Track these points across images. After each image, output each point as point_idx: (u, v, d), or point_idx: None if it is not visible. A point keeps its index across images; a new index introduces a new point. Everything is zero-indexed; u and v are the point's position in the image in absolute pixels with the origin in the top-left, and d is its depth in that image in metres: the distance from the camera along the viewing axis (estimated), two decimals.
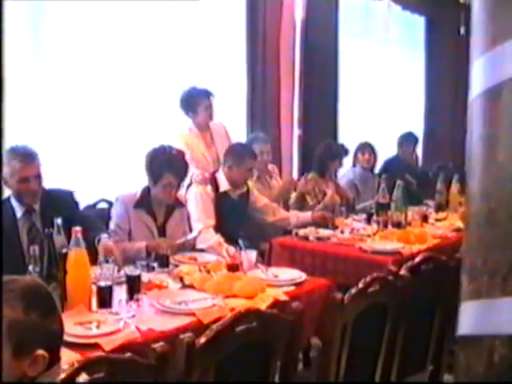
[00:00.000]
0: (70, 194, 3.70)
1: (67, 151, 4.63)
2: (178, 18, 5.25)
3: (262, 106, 5.86)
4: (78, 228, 2.78)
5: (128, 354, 1.72)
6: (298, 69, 6.18)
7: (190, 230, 4.14)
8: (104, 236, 3.39)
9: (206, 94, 5.00)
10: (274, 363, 2.20)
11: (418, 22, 7.97)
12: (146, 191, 3.85)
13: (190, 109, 5.03)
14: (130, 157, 4.84)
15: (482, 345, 1.46)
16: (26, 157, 3.40)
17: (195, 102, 5.00)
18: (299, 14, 6.11)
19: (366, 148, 5.94)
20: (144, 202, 3.83)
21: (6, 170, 3.43)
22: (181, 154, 3.93)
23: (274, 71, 5.94)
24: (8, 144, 3.45)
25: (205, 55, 5.45)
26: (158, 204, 3.86)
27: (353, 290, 2.42)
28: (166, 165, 3.76)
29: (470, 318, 1.48)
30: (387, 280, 2.60)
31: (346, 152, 5.56)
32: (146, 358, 1.82)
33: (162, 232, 3.86)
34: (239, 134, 5.54)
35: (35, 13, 4.49)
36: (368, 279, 2.49)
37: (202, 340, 1.89)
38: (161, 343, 1.82)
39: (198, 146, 5.04)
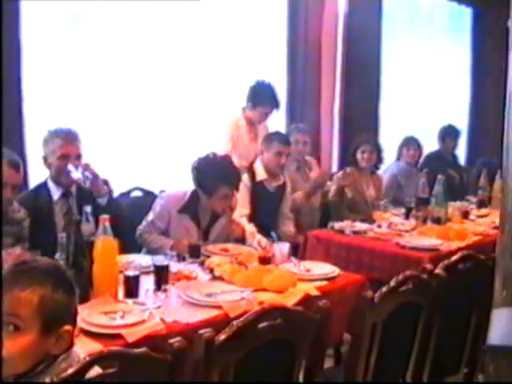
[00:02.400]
0: (105, 181, 3.68)
1: (105, 138, 4.63)
2: (222, 11, 5.23)
3: (302, 99, 5.80)
4: (105, 216, 2.74)
5: (143, 349, 1.66)
6: (339, 61, 6.08)
7: None
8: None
9: (273, 103, 4.94)
10: (298, 362, 2.12)
11: (465, 13, 7.75)
12: (195, 196, 3.75)
13: (251, 100, 4.94)
14: (169, 145, 4.83)
15: None
16: (69, 135, 3.46)
17: (260, 99, 4.92)
18: (342, 6, 6.02)
19: (412, 143, 5.82)
20: (191, 206, 3.74)
21: (46, 150, 3.45)
22: (228, 160, 3.83)
23: (314, 63, 5.86)
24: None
25: (246, 47, 5.42)
26: (204, 210, 3.78)
27: (384, 289, 2.33)
28: (220, 178, 3.64)
29: (503, 326, 1.38)
30: (421, 278, 2.50)
31: (378, 150, 5.37)
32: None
33: (205, 237, 3.79)
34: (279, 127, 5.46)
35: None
36: (400, 277, 2.40)
37: (222, 337, 1.83)
38: (178, 338, 1.76)
39: (242, 138, 4.99)
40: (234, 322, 1.90)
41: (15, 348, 1.62)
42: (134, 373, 1.60)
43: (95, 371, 1.56)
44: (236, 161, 4.60)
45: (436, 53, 7.31)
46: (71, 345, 1.69)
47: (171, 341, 1.72)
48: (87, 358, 1.51)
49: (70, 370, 1.47)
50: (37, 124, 4.14)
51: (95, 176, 3.41)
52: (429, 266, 2.68)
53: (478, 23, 7.83)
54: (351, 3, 5.98)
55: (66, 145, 3.41)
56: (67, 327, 1.68)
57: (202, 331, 1.84)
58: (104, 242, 2.71)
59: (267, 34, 5.60)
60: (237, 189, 3.84)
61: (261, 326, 1.94)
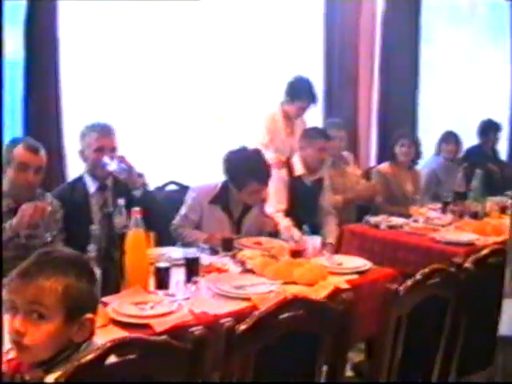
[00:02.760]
0: (140, 175, 3.73)
1: (141, 133, 4.69)
2: (262, 6, 5.27)
3: (339, 95, 5.81)
4: (137, 208, 2.79)
5: (163, 337, 1.69)
6: (377, 55, 6.07)
7: None
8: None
9: (311, 98, 4.95)
10: (321, 354, 2.12)
11: (505, 7, 7.60)
12: (226, 187, 3.78)
13: (289, 95, 4.96)
14: (205, 139, 4.87)
15: None
16: (105, 128, 3.54)
17: (298, 93, 4.93)
18: (380, 4, 6.04)
19: (451, 138, 5.77)
20: (222, 197, 3.78)
21: (83, 143, 3.53)
22: (259, 155, 3.82)
23: (351, 58, 5.87)
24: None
25: (283, 41, 5.45)
26: (235, 201, 3.81)
27: (409, 281, 2.32)
28: (250, 173, 3.67)
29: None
30: (449, 272, 2.48)
31: (416, 144, 5.33)
32: None
33: (237, 228, 3.83)
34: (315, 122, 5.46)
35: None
36: (427, 270, 2.38)
37: (243, 326, 1.85)
38: (199, 327, 1.78)
39: (279, 132, 5.01)
40: (256, 312, 1.92)
41: (39, 336, 1.67)
42: (153, 360, 1.63)
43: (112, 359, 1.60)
44: (274, 155, 4.64)
45: (476, 46, 7.21)
46: (93, 333, 1.73)
47: (192, 329, 1.75)
48: (107, 344, 1.55)
49: (90, 356, 1.51)
50: (74, 119, 4.23)
51: (130, 168, 3.46)
52: (457, 260, 2.65)
53: None
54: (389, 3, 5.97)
55: (101, 138, 3.49)
56: (89, 315, 1.72)
57: (223, 320, 1.86)
58: (135, 234, 2.76)
59: (305, 30, 5.62)
60: (266, 184, 3.84)
61: (282, 316, 1.96)
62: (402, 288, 2.29)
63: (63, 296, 1.68)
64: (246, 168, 3.67)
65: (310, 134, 4.63)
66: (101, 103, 4.53)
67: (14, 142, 3.27)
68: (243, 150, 3.81)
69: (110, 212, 2.82)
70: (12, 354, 2.07)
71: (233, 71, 5.18)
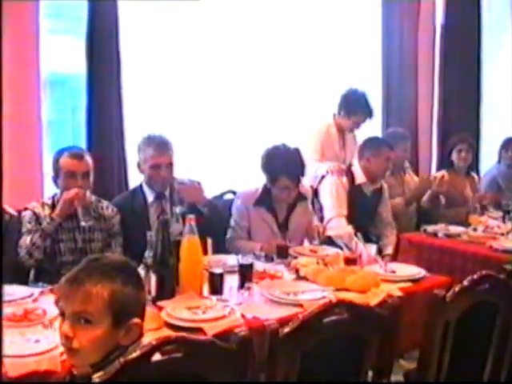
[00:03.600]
0: (198, 183, 3.83)
1: (198, 143, 4.80)
2: (318, 15, 5.33)
3: (398, 103, 5.80)
4: (191, 216, 2.87)
5: (208, 336, 1.75)
6: (437, 62, 6.04)
7: (321, 221, 4.17)
8: None
9: (367, 113, 4.93)
10: (367, 358, 2.16)
11: None
12: (267, 188, 3.87)
13: (345, 109, 4.93)
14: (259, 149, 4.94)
15: None
16: (160, 145, 3.62)
17: (355, 109, 4.91)
18: (439, 18, 6.06)
19: (511, 144, 5.67)
20: (265, 199, 3.87)
21: (140, 156, 3.65)
22: (297, 153, 3.87)
23: (410, 66, 5.87)
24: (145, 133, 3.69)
25: (340, 52, 5.50)
26: (279, 200, 3.89)
27: (457, 287, 2.33)
28: (283, 168, 3.74)
29: None
30: (498, 279, 2.48)
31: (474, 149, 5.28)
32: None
33: (285, 228, 3.89)
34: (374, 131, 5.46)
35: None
36: (475, 276, 2.39)
37: (287, 329, 1.90)
38: (243, 328, 1.85)
39: (332, 145, 5.02)
40: (300, 315, 1.97)
41: (87, 340, 1.75)
42: (198, 360, 1.69)
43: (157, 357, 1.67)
44: (334, 163, 4.65)
45: None
46: (141, 336, 1.81)
47: (237, 330, 1.81)
48: (153, 342, 1.62)
49: (136, 353, 1.58)
50: (135, 126, 4.37)
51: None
52: (509, 267, 2.64)
53: None
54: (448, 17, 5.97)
55: (157, 155, 3.58)
56: (136, 320, 1.79)
57: (267, 323, 1.92)
58: (190, 241, 2.84)
59: (362, 40, 5.66)
60: (299, 182, 3.87)
61: (326, 320, 2.00)
62: (449, 294, 2.30)
63: (109, 301, 1.76)
64: (279, 162, 3.76)
65: (375, 144, 4.60)
66: (159, 111, 4.66)
67: (59, 152, 3.41)
68: (282, 146, 3.87)
69: (166, 219, 2.91)
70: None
71: (288, 81, 5.25)
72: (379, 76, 5.74)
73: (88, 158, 3.40)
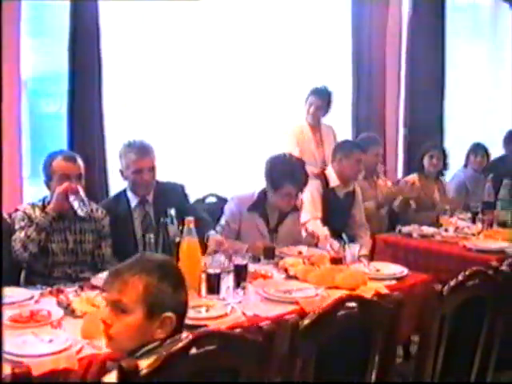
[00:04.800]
0: (181, 187, 3.92)
1: (180, 148, 4.87)
2: (287, 17, 5.45)
3: (367, 106, 5.95)
4: (190, 218, 2.94)
5: (239, 330, 1.86)
6: (403, 68, 6.23)
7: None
8: (212, 232, 3.54)
9: (319, 93, 5.11)
10: (373, 351, 2.28)
11: None
12: (263, 195, 3.95)
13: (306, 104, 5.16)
14: (240, 153, 5.03)
15: None
16: (142, 150, 3.65)
17: (309, 93, 5.13)
18: (405, 14, 6.22)
19: (479, 150, 5.86)
20: (259, 205, 3.95)
21: (122, 163, 3.69)
22: (301, 163, 3.99)
23: (379, 70, 6.03)
24: (125, 140, 3.72)
25: (311, 53, 5.62)
26: (272, 208, 3.97)
27: (452, 282, 2.48)
28: (287, 175, 3.82)
29: None
30: (487, 274, 2.63)
31: (444, 156, 5.47)
32: None
33: (274, 235, 3.98)
34: (344, 134, 5.61)
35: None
36: (468, 272, 2.54)
37: (306, 322, 2.01)
38: (268, 322, 1.95)
39: (308, 143, 5.16)
40: (316, 309, 2.09)
41: (121, 327, 1.87)
42: (229, 352, 1.79)
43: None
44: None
45: (499, 58, 7.35)
46: (179, 330, 1.91)
47: (262, 324, 1.91)
48: (190, 337, 1.71)
49: (178, 346, 1.67)
50: (115, 131, 4.42)
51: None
52: (495, 263, 2.81)
53: None
54: (414, 13, 6.15)
55: (139, 160, 3.62)
56: (169, 314, 1.88)
57: (287, 316, 2.02)
58: (189, 243, 2.92)
59: (331, 44, 5.80)
60: (301, 190, 4.00)
61: (339, 313, 2.12)
62: (445, 288, 2.44)
63: (143, 293, 1.86)
64: (284, 169, 3.85)
65: (346, 146, 4.76)
66: (141, 114, 4.71)
67: (51, 156, 3.43)
68: (287, 155, 4.00)
69: (165, 222, 2.99)
70: (83, 353, 2.26)
71: (263, 84, 5.37)
72: (349, 77, 5.91)
73: (80, 161, 3.44)
